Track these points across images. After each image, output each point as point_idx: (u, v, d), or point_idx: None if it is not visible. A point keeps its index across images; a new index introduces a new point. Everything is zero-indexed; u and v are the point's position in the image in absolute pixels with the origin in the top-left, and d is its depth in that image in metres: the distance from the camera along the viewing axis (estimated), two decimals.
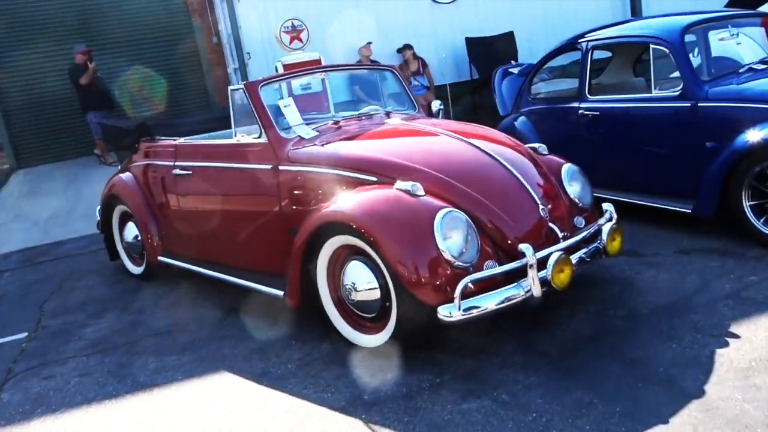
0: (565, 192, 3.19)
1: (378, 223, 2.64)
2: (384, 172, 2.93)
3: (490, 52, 8.55)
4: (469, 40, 8.72)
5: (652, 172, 4.22)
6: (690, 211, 3.86)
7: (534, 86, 5.36)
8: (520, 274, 2.62)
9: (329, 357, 2.91)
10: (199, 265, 3.88)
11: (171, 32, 8.72)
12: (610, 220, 3.10)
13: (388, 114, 3.83)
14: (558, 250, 2.70)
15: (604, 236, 2.94)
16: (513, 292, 2.57)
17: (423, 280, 2.53)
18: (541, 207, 2.89)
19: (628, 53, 5.22)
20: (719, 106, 3.77)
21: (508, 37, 8.84)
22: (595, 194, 4.48)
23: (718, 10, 4.54)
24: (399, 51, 8.59)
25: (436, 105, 4.28)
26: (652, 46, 4.18)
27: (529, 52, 8.60)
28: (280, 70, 6.97)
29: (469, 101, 8.86)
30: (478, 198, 2.80)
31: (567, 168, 3.29)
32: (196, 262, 3.94)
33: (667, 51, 4.05)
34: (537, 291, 2.58)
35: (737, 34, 4.19)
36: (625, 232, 4.13)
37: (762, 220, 3.52)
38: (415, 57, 8.57)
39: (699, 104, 3.86)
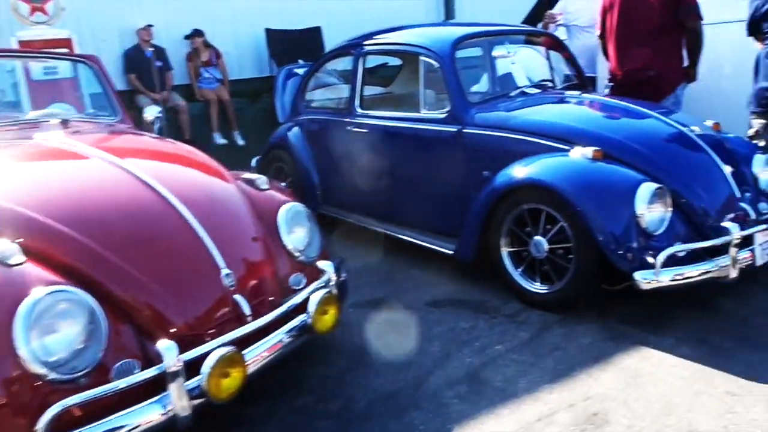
0: (282, 242, 2.46)
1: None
2: None
3: (293, 47, 7.73)
4: (269, 32, 7.83)
5: (421, 204, 3.67)
6: (452, 252, 3.36)
7: (310, 92, 4.64)
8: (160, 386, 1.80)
9: None
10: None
11: None
12: (327, 284, 2.40)
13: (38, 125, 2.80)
14: (224, 345, 1.92)
15: (312, 308, 2.23)
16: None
17: None
18: (224, 272, 2.10)
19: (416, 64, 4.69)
20: (485, 134, 3.28)
21: (314, 33, 8.09)
22: (369, 227, 4.00)
23: (499, 24, 4.11)
24: (187, 37, 7.45)
25: (152, 112, 3.33)
26: (421, 58, 3.62)
27: None
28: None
29: (269, 100, 7.99)
30: (114, 263, 1.93)
31: (287, 210, 2.55)
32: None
33: (437, 65, 3.50)
34: (182, 409, 1.77)
35: (514, 53, 3.78)
36: (386, 272, 3.56)
37: (520, 270, 3.07)
38: (207, 45, 7.50)
39: (465, 130, 3.35)
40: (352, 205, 4.18)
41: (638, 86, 3.87)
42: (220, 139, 7.20)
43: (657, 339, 2.62)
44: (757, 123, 3.55)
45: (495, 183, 3.06)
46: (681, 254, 2.65)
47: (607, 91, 4.12)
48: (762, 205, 3.06)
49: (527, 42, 4.18)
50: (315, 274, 2.44)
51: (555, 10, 4.68)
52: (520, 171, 2.96)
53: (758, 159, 3.13)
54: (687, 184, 2.81)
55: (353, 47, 4.12)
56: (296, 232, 2.53)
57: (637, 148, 2.89)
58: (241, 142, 7.17)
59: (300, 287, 2.40)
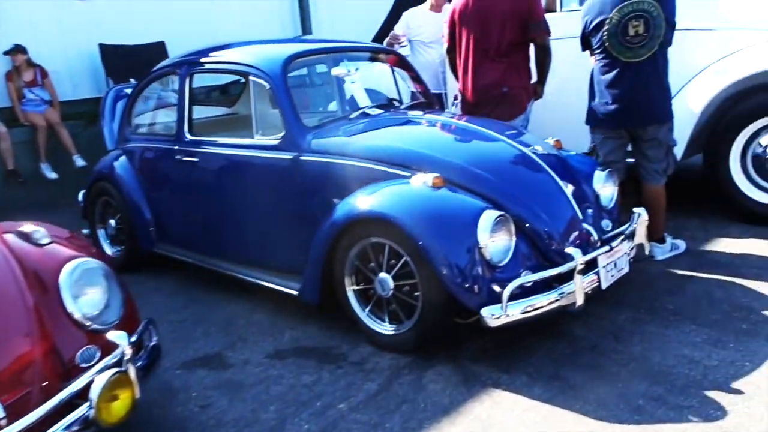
0: (65, 309, 1.99)
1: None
2: None
3: (133, 64, 7.04)
4: (103, 48, 7.11)
5: (262, 240, 3.30)
6: (297, 293, 3.02)
7: (137, 116, 4.12)
8: None
9: None
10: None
11: None
12: (121, 360, 1.97)
13: None
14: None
15: (95, 394, 1.79)
16: None
17: None
18: None
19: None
20: (323, 161, 2.99)
21: (157, 48, 7.46)
22: (209, 267, 3.57)
23: (341, 41, 3.85)
24: (7, 53, 6.55)
25: None
26: (251, 78, 3.26)
27: None
28: None
29: None
30: None
31: (73, 268, 2.06)
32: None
33: (268, 86, 3.16)
34: None
35: (355, 71, 3.52)
36: (226, 320, 3.18)
37: (367, 310, 2.80)
38: (31, 64, 6.64)
39: (301, 157, 3.04)
40: (190, 243, 3.73)
41: (490, 104, 3.77)
42: (50, 173, 6.39)
43: (509, 378, 2.44)
44: (596, 139, 3.55)
45: (334, 216, 2.77)
46: (529, 284, 2.51)
47: (455, 108, 4.00)
48: (605, 222, 3.03)
49: (371, 59, 3.96)
50: (106, 347, 2.00)
51: (398, 27, 4.48)
52: (358, 202, 2.69)
53: (598, 176, 3.09)
54: (530, 209, 2.68)
55: (178, 66, 3.68)
56: (87, 295, 2.07)
57: (479, 173, 2.73)
58: (81, 163, 6.37)
59: (92, 363, 1.95)
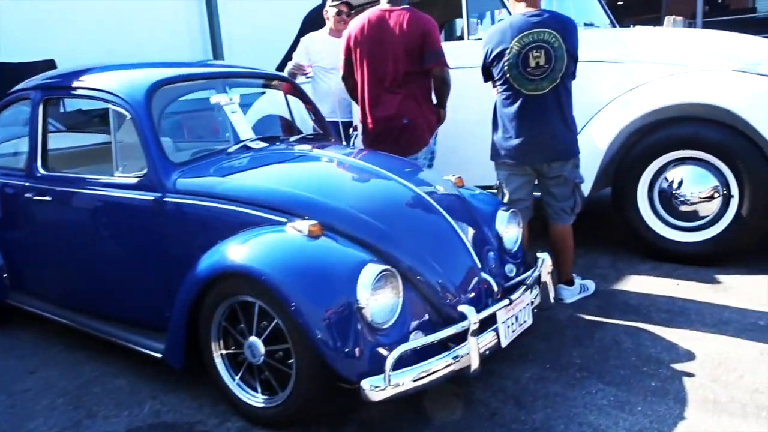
0: None
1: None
2: None
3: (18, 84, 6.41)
4: None
5: (125, 293, 2.85)
6: (161, 355, 2.59)
7: None
8: None
9: None
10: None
11: None
12: None
13: None
14: None
15: None
16: None
17: None
18: None
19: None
20: (190, 203, 2.59)
21: (46, 67, 6.79)
22: (67, 322, 3.08)
23: (226, 65, 3.48)
24: None
25: None
26: (111, 107, 2.84)
27: None
28: None
29: None
30: None
31: None
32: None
33: (129, 116, 2.75)
34: None
35: (238, 99, 3.16)
36: (80, 387, 2.78)
37: (238, 378, 2.41)
38: None
39: (165, 198, 2.63)
40: (45, 294, 3.23)
41: (391, 136, 3.50)
42: None
43: None
44: (500, 176, 3.33)
45: (197, 269, 2.38)
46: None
47: (354, 140, 3.70)
48: (508, 267, 2.78)
49: (263, 86, 3.62)
50: None
51: (297, 54, 4.11)
52: (224, 253, 2.31)
53: (501, 216, 2.85)
54: (422, 259, 2.38)
55: (32, 90, 3.21)
56: None
57: (366, 219, 2.40)
58: None
59: None
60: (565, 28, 3.07)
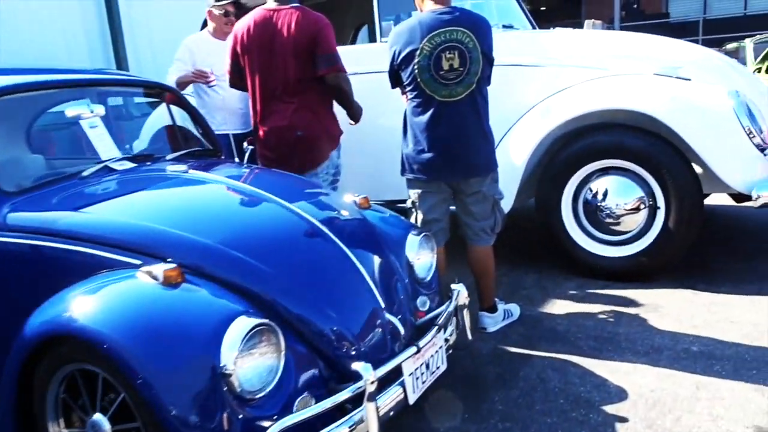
0: None
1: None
2: None
3: None
4: None
5: None
6: None
7: None
8: None
9: None
10: None
11: None
12: None
13: None
14: None
15: None
16: None
17: None
18: None
19: None
20: (21, 243, 2.09)
21: None
22: None
23: (97, 71, 2.98)
24: None
25: None
26: None
27: None
28: None
29: None
30: None
31: None
32: None
33: None
34: None
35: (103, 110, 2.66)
36: None
37: None
38: None
39: None
40: None
41: (285, 151, 3.08)
42: None
43: None
44: (413, 194, 2.98)
45: (26, 329, 1.88)
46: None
47: (249, 155, 3.27)
48: (421, 300, 2.42)
49: (145, 95, 3.12)
50: None
51: (181, 56, 3.57)
52: (58, 310, 1.82)
53: (411, 242, 2.48)
54: (313, 304, 1.97)
55: None
56: None
57: (242, 258, 1.97)
58: None
59: None
60: (479, 27, 2.76)
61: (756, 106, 3.39)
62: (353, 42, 5.47)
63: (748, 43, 8.22)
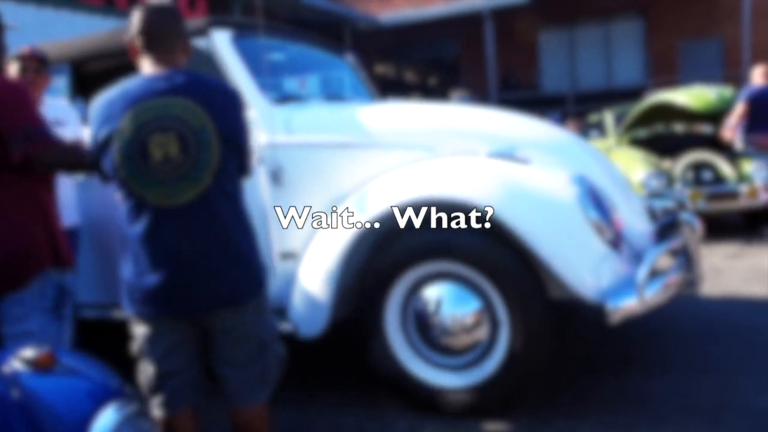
0: None
1: None
2: None
3: None
4: None
5: None
6: None
7: None
8: None
9: None
10: None
11: None
12: None
13: None
14: None
15: None
16: None
17: None
18: None
19: None
20: None
21: None
22: None
23: None
24: None
25: None
26: None
27: None
28: None
29: None
30: None
31: None
32: None
33: None
34: None
35: None
36: None
37: None
38: None
39: None
40: None
41: None
42: None
43: None
44: (137, 336, 2.02)
45: None
46: None
47: None
48: None
49: None
50: None
51: None
52: None
53: (104, 425, 1.51)
54: None
55: None
56: None
57: None
58: None
59: None
60: (215, 99, 1.92)
61: (605, 191, 2.80)
62: None
63: (607, 114, 8.40)
